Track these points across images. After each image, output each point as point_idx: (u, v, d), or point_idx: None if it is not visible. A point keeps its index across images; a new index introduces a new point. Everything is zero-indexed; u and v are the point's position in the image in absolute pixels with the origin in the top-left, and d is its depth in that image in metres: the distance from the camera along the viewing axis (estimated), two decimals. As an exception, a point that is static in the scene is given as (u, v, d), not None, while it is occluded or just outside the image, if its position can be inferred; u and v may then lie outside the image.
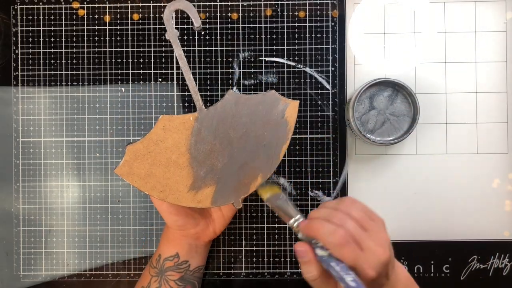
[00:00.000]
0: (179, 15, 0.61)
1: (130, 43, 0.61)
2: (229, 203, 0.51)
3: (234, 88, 0.61)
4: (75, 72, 0.61)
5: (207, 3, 0.61)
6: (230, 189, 0.51)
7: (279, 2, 0.61)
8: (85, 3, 0.61)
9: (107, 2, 0.61)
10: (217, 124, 0.50)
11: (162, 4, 0.61)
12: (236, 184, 0.51)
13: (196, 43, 0.61)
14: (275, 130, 0.52)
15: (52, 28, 0.61)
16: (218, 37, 0.61)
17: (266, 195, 0.51)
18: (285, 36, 0.61)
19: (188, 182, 0.50)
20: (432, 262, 0.60)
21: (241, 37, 0.61)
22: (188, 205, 0.50)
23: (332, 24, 0.61)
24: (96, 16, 0.61)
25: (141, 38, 0.61)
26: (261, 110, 0.51)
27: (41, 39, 0.61)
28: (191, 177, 0.50)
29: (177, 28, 0.61)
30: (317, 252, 0.42)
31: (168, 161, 0.49)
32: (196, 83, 0.60)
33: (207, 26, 0.61)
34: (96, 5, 0.61)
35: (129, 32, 0.61)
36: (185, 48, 0.61)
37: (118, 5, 0.61)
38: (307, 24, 0.61)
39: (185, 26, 0.61)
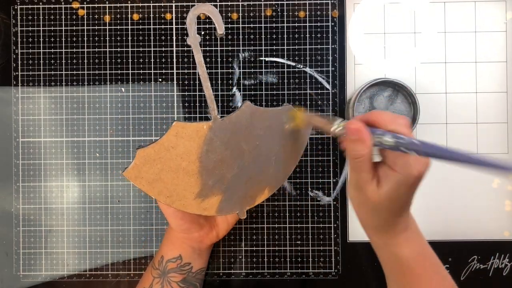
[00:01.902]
0: (179, 15, 0.61)
1: (130, 43, 0.61)
2: (234, 212, 0.51)
3: (234, 88, 0.61)
4: (75, 72, 0.61)
5: (207, 3, 0.61)
6: (236, 199, 0.50)
7: (279, 2, 0.61)
8: (85, 3, 0.61)
9: (107, 2, 0.61)
10: (231, 135, 0.49)
11: (162, 4, 0.61)
12: (242, 195, 0.50)
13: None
14: (287, 145, 0.51)
15: (52, 28, 0.61)
16: (218, 37, 0.61)
17: (299, 115, 0.49)
18: (285, 36, 0.61)
19: (195, 190, 0.49)
20: (432, 262, 0.60)
21: (241, 37, 0.61)
22: (194, 212, 0.50)
23: (332, 24, 0.61)
24: (96, 16, 0.61)
25: (141, 38, 0.61)
26: (276, 124, 0.50)
27: (41, 39, 0.61)
28: (199, 185, 0.49)
29: (177, 28, 0.61)
30: (375, 132, 0.40)
31: (177, 168, 0.49)
32: (193, 84, 0.60)
33: (207, 26, 0.61)
34: (96, 5, 0.61)
35: (129, 32, 0.61)
36: (185, 48, 0.61)
37: (118, 5, 0.61)
38: (307, 24, 0.61)
39: (185, 26, 0.61)
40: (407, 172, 0.39)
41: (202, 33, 0.61)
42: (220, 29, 0.48)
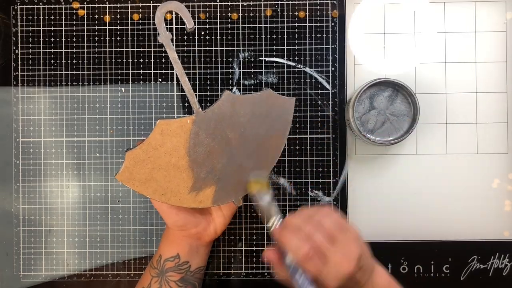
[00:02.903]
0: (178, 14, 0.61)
1: (130, 43, 0.61)
2: (230, 201, 0.52)
3: (234, 88, 0.61)
4: (75, 72, 0.61)
5: (207, 3, 0.61)
6: (230, 188, 0.51)
7: (279, 2, 0.61)
8: (85, 3, 0.61)
9: (107, 2, 0.61)
10: (215, 126, 0.50)
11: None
12: (235, 183, 0.51)
13: (196, 43, 0.61)
14: (273, 128, 0.52)
15: (52, 28, 0.61)
16: (218, 37, 0.61)
17: (255, 189, 0.50)
18: (285, 36, 0.61)
19: (188, 184, 0.50)
20: (432, 262, 0.60)
21: (241, 37, 0.61)
22: (190, 206, 0.50)
23: (332, 24, 0.61)
24: (96, 16, 0.61)
25: (141, 38, 0.61)
26: (258, 109, 0.51)
27: (41, 39, 0.61)
28: (192, 179, 0.50)
29: (177, 28, 0.61)
30: (286, 259, 0.44)
31: (168, 165, 0.49)
32: (191, 84, 0.61)
33: (207, 26, 0.61)
34: (96, 5, 0.61)
35: (129, 32, 0.61)
36: (185, 48, 0.61)
37: (118, 5, 0.61)
38: (307, 24, 0.61)
39: (185, 26, 0.61)
40: None
41: (203, 33, 0.61)
42: (189, 23, 0.49)
